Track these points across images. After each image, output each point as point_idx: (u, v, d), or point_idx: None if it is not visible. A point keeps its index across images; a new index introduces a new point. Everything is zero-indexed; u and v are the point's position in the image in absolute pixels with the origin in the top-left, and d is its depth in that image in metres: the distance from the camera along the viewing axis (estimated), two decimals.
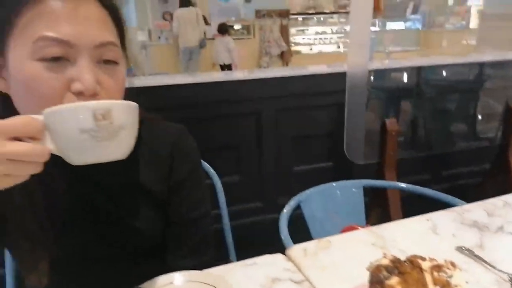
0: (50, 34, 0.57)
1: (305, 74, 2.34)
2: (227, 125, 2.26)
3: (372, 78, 2.54)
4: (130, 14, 7.61)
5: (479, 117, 2.87)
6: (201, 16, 6.24)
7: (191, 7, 6.14)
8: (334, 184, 1.32)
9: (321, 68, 2.40)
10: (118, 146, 0.53)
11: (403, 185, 1.26)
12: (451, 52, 7.28)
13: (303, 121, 2.38)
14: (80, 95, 0.58)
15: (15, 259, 0.72)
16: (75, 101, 0.58)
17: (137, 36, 7.71)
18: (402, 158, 2.41)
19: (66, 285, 0.76)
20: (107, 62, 0.61)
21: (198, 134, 2.37)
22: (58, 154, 0.51)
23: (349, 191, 1.36)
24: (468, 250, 0.79)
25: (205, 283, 0.69)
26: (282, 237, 1.04)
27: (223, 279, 0.70)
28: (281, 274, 0.75)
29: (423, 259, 0.62)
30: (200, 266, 0.76)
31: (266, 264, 0.79)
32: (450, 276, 0.59)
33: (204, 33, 6.54)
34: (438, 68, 2.79)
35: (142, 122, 0.79)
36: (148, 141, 0.78)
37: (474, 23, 7.89)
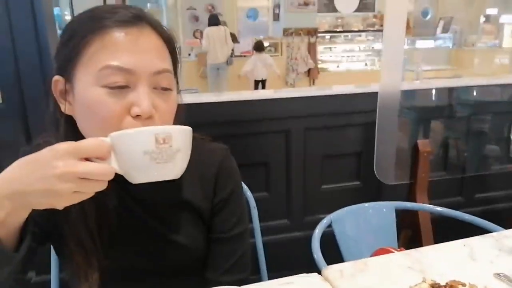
0: (114, 63, 0.62)
1: (334, 93, 2.36)
2: (256, 143, 2.30)
3: (408, 101, 2.53)
4: None
5: None
6: (229, 34, 6.44)
7: (220, 26, 6.36)
8: (366, 204, 1.32)
9: (350, 88, 2.42)
10: (174, 168, 0.58)
11: (438, 208, 1.25)
12: (483, 71, 7.12)
13: (332, 140, 2.39)
14: (138, 118, 0.64)
15: (67, 269, 0.77)
16: (133, 123, 0.63)
17: None
18: (434, 180, 2.38)
19: None
20: (162, 88, 0.67)
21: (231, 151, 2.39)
22: (121, 173, 0.56)
23: (380, 212, 1.36)
24: (506, 276, 0.78)
25: None
26: (315, 257, 1.06)
27: None
28: None
29: (463, 284, 0.63)
30: (238, 283, 0.78)
31: (303, 284, 0.81)
32: None
33: (232, 51, 6.74)
34: (470, 88, 2.75)
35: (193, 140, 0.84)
36: (194, 161, 0.82)
37: (507, 41, 7.71)
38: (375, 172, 2.21)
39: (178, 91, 0.74)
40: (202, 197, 0.81)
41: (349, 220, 1.31)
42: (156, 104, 0.66)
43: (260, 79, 6.66)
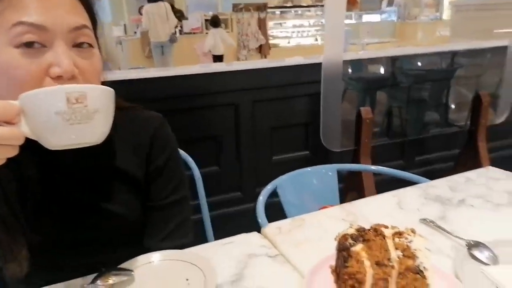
0: (25, 19, 0.58)
1: (281, 65, 2.38)
2: (205, 117, 2.28)
3: (349, 70, 2.60)
4: (105, 9, 7.48)
5: (451, 104, 2.98)
6: (170, 10, 6.19)
7: (160, 2, 6.06)
8: (309, 169, 1.36)
9: (297, 60, 2.44)
10: (93, 130, 0.55)
11: (373, 167, 1.32)
12: (425, 43, 7.46)
13: (280, 112, 2.42)
14: (59, 79, 0.60)
15: None
16: (53, 85, 0.60)
17: (112, 31, 7.59)
18: (377, 145, 2.49)
19: (46, 272, 0.77)
20: (82, 45, 0.63)
21: (176, 126, 2.38)
22: (33, 138, 0.53)
23: (323, 176, 1.41)
24: (431, 221, 0.84)
25: (183, 260, 0.72)
26: (259, 219, 1.08)
27: (201, 256, 0.73)
28: (256, 251, 0.79)
29: (386, 227, 0.67)
30: (180, 249, 0.78)
31: (243, 242, 0.82)
32: (410, 241, 0.64)
33: (181, 27, 6.53)
34: (411, 58, 2.88)
35: (121, 109, 0.81)
36: (127, 128, 0.80)
37: (446, 14, 8.10)
38: (322, 140, 2.28)
39: (101, 51, 0.71)
40: (137, 165, 0.79)
41: (293, 185, 1.34)
42: (78, 64, 0.62)
43: (219, 54, 6.57)
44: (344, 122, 2.38)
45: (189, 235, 0.86)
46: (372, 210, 0.91)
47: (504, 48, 2.61)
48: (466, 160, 2.54)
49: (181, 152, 1.31)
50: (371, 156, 2.28)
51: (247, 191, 2.48)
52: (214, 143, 2.35)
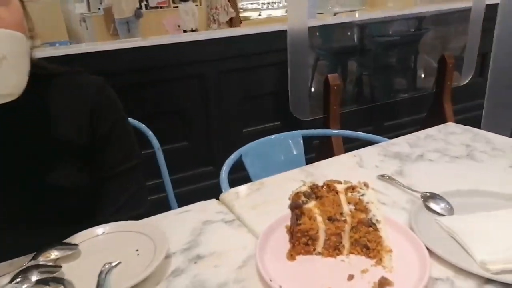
0: None
1: (246, 33, 2.31)
2: (171, 90, 2.21)
3: (319, 40, 2.56)
4: None
5: (418, 69, 3.00)
6: None
7: None
8: (272, 136, 1.34)
9: (262, 28, 2.38)
10: (2, 80, 0.51)
11: (336, 131, 1.31)
12: (393, 9, 7.45)
13: (247, 82, 2.37)
14: None
15: None
16: None
17: (75, 8, 7.23)
18: (347, 112, 2.49)
19: None
20: None
21: (141, 100, 2.32)
22: None
23: (289, 142, 1.39)
24: (389, 177, 0.84)
25: (133, 231, 0.69)
26: (222, 186, 1.05)
27: (154, 226, 0.70)
28: (213, 217, 0.76)
29: (339, 182, 0.66)
30: (135, 219, 0.75)
31: (200, 210, 0.80)
32: (363, 195, 0.62)
33: (147, 1, 6.28)
34: (378, 23, 2.86)
35: (58, 75, 0.75)
36: (67, 94, 0.74)
37: None
38: (291, 109, 2.26)
39: (23, 5, 0.65)
40: (79, 133, 0.74)
41: (258, 154, 1.32)
42: None
43: (190, 29, 6.39)
44: (316, 92, 2.36)
45: (144, 205, 0.83)
46: (332, 170, 0.90)
47: (468, 10, 2.62)
48: (433, 122, 2.57)
49: (142, 126, 1.27)
50: (340, 123, 2.28)
51: (219, 165, 2.44)
52: (182, 117, 2.29)
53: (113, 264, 0.44)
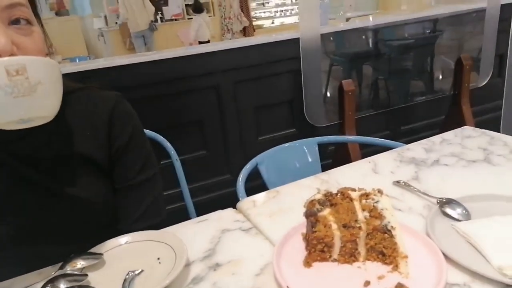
0: None
1: (259, 43, 2.34)
2: (188, 101, 2.26)
3: (333, 45, 2.57)
4: (84, 1, 7.31)
5: (435, 71, 2.97)
6: None
7: None
8: (286, 145, 1.35)
9: (275, 36, 2.41)
10: (39, 103, 0.54)
11: (352, 137, 1.31)
12: (407, 11, 7.38)
13: (262, 91, 2.40)
14: None
15: None
16: None
17: (93, 24, 7.43)
18: (363, 117, 2.49)
19: (13, 267, 0.74)
20: (19, 22, 0.61)
21: (158, 112, 2.36)
22: None
23: (305, 150, 1.40)
24: (404, 183, 0.84)
25: (153, 240, 0.71)
26: (239, 196, 1.07)
27: (174, 235, 0.72)
28: (230, 225, 0.78)
29: (353, 190, 0.66)
30: (153, 229, 0.77)
31: (217, 219, 0.82)
32: (377, 202, 0.63)
33: (162, 14, 6.40)
34: (392, 27, 2.85)
35: (74, 91, 0.79)
36: (83, 110, 0.78)
37: None
38: (306, 116, 2.27)
39: (43, 29, 0.68)
40: (97, 147, 0.77)
41: (274, 162, 1.33)
42: (17, 41, 0.60)
43: (206, 40, 6.49)
44: (331, 98, 2.37)
45: (161, 213, 0.85)
46: (347, 177, 0.91)
47: (483, 10, 2.59)
48: (451, 125, 2.54)
49: (159, 137, 1.30)
50: (356, 129, 2.28)
51: (236, 173, 2.47)
52: (199, 127, 2.33)
53: (136, 272, 0.46)
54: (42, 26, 0.68)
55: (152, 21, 6.19)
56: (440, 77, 2.95)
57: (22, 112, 0.53)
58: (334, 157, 2.22)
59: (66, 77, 0.82)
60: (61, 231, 0.75)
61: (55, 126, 0.74)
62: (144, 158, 0.83)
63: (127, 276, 0.45)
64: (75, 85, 0.78)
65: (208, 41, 6.54)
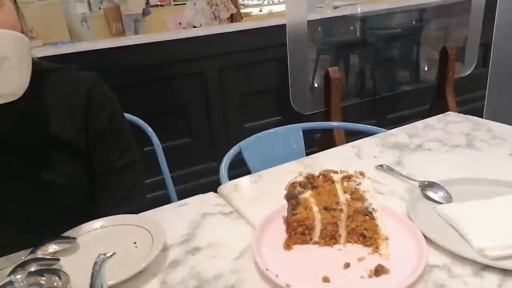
0: None
1: (245, 29, 2.31)
2: (173, 87, 2.22)
3: (320, 34, 2.55)
4: None
5: (420, 61, 2.98)
6: None
7: None
8: (271, 130, 1.34)
9: (262, 22, 2.37)
10: (4, 79, 0.51)
11: (335, 123, 1.30)
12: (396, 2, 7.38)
13: (248, 78, 2.37)
14: None
15: None
16: None
17: (76, 8, 7.23)
18: (349, 105, 2.49)
19: None
20: None
21: (144, 98, 2.31)
22: None
23: (289, 136, 1.39)
24: (387, 167, 0.83)
25: (130, 224, 0.69)
26: (222, 180, 1.05)
27: (151, 219, 0.70)
28: (211, 209, 0.76)
29: (335, 172, 0.65)
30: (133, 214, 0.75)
31: (198, 203, 0.80)
32: (359, 184, 0.62)
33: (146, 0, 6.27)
34: (380, 17, 2.84)
35: (49, 71, 0.75)
36: (59, 91, 0.74)
37: None
38: (292, 104, 2.25)
39: (16, 5, 0.65)
40: (74, 129, 0.74)
41: (258, 147, 1.32)
42: None
43: (199, 25, 6.37)
44: (319, 86, 2.35)
45: (142, 200, 0.83)
46: (330, 161, 0.90)
47: (469, 0, 2.59)
48: (436, 114, 2.56)
49: (141, 123, 1.27)
50: (342, 117, 2.27)
51: (221, 160, 2.45)
52: (184, 114, 2.29)
53: (108, 255, 0.44)
54: (15, 2, 0.64)
55: (146, 3, 6.05)
56: (426, 66, 2.97)
57: None
58: (320, 145, 2.21)
59: (44, 59, 0.79)
60: (36, 217, 0.72)
61: (27, 106, 0.71)
62: (124, 142, 0.80)
63: (98, 259, 0.43)
64: (51, 65, 0.75)
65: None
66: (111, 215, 0.75)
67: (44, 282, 0.40)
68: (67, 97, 0.74)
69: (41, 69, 0.75)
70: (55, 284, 0.41)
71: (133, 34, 6.04)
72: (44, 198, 0.73)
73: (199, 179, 2.37)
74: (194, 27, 6.26)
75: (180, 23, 6.50)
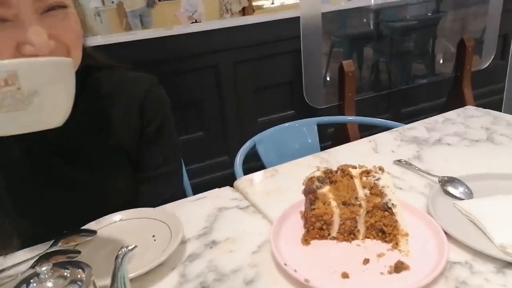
0: None
1: (258, 22, 2.29)
2: (186, 81, 2.22)
3: (334, 26, 2.51)
4: None
5: (437, 53, 2.92)
6: None
7: None
8: (286, 125, 1.33)
9: (275, 15, 2.35)
10: (35, 117, 0.45)
11: (351, 118, 1.29)
12: None
13: (261, 71, 2.36)
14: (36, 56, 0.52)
15: None
16: None
17: (89, 2, 7.28)
18: (363, 99, 2.46)
19: None
20: (53, 8, 0.56)
21: None
22: None
23: (303, 130, 1.38)
24: (405, 162, 0.82)
25: (149, 218, 0.69)
26: (236, 175, 1.06)
27: (169, 213, 0.71)
28: (227, 203, 0.77)
29: (354, 167, 0.65)
30: None
31: (215, 197, 0.80)
32: (378, 179, 0.62)
33: None
34: (395, 8, 2.78)
35: (102, 69, 0.72)
36: (117, 94, 0.72)
37: None
38: (305, 98, 2.24)
39: (78, 11, 0.62)
40: (129, 134, 0.72)
41: (273, 142, 1.32)
42: (53, 31, 0.54)
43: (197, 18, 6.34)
44: (332, 80, 2.33)
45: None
46: (347, 156, 0.89)
47: None
48: (453, 108, 2.51)
49: None
50: (356, 111, 2.25)
51: (235, 154, 2.45)
52: (197, 108, 2.30)
53: (130, 248, 0.45)
54: (78, 5, 0.62)
55: None
56: (442, 59, 2.91)
57: (16, 127, 0.45)
58: (333, 139, 2.20)
59: None
60: (80, 221, 0.69)
61: (87, 105, 0.68)
62: (170, 149, 0.79)
63: (120, 252, 0.43)
64: (110, 60, 0.73)
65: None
66: None
67: (68, 274, 0.41)
68: (126, 98, 0.72)
69: (102, 64, 0.72)
70: (79, 276, 0.41)
71: (139, 29, 6.01)
72: (97, 206, 0.70)
73: (212, 173, 2.38)
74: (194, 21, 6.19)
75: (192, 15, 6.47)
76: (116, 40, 2.05)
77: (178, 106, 2.22)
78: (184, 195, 0.85)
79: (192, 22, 6.15)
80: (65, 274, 0.42)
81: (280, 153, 1.34)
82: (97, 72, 0.69)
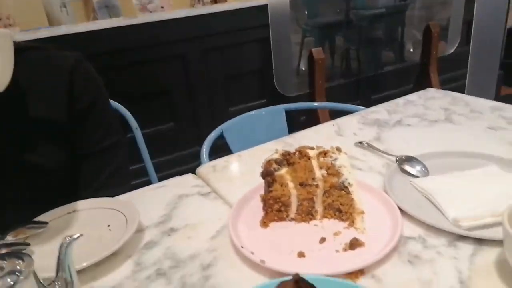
0: None
1: (227, 9, 2.26)
2: (154, 71, 2.17)
3: (303, 14, 2.51)
4: None
5: (404, 41, 2.98)
6: None
7: None
8: (253, 112, 1.32)
9: (244, 3, 2.32)
10: None
11: (317, 104, 1.29)
12: None
13: (231, 60, 2.33)
14: None
15: None
16: None
17: None
18: (333, 87, 2.47)
19: None
20: None
21: (124, 82, 2.25)
22: None
23: (271, 117, 1.38)
24: (366, 143, 0.83)
25: (105, 208, 0.67)
26: (202, 162, 1.04)
27: (125, 202, 0.69)
28: (189, 190, 0.75)
29: (311, 148, 0.65)
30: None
31: (176, 184, 0.79)
32: (335, 159, 0.62)
33: None
34: None
35: (25, 50, 0.71)
36: (39, 70, 0.72)
37: None
38: (276, 86, 2.23)
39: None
40: (56, 109, 0.72)
41: (240, 129, 1.31)
42: None
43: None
44: (305, 70, 2.33)
45: (126, 184, 0.82)
46: (310, 140, 0.89)
47: None
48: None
49: (119, 107, 1.24)
50: (327, 98, 2.26)
51: None
52: (167, 98, 2.26)
53: (74, 237, 0.43)
54: None
55: None
56: (410, 46, 2.96)
57: None
58: (305, 127, 2.21)
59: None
60: (14, 199, 0.70)
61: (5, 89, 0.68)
62: (107, 124, 0.78)
63: (64, 241, 0.42)
64: (26, 43, 0.72)
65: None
66: (94, 197, 0.73)
67: (5, 266, 0.39)
68: (48, 76, 0.72)
69: (23, 46, 0.72)
70: (18, 267, 0.39)
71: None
72: (25, 180, 0.71)
73: (182, 165, 2.35)
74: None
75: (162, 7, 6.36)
76: (80, 29, 1.98)
77: (146, 96, 2.18)
78: (129, 170, 0.84)
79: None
80: (3, 265, 0.39)
81: (249, 141, 1.32)
82: (18, 54, 0.67)
